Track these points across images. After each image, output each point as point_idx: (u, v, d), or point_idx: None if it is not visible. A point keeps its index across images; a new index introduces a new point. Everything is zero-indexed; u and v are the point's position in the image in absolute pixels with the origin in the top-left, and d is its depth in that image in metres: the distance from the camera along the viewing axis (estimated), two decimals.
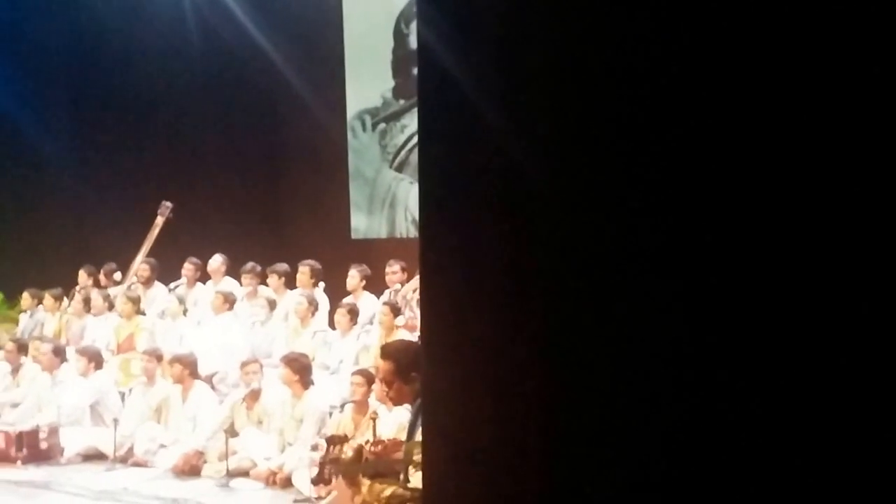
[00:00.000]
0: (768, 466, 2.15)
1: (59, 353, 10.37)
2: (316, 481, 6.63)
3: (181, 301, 11.40)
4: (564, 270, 2.43)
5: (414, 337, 8.89)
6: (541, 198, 2.46)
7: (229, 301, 10.95)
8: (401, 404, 5.91)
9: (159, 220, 12.36)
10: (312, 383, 8.72)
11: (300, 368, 8.62)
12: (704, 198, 2.22)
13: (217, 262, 11.94)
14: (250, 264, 11.52)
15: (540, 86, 2.47)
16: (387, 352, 5.87)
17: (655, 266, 2.28)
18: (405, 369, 5.44)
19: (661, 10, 2.26)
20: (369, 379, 8.04)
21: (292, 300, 10.72)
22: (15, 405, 10.42)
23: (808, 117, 2.09)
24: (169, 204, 12.41)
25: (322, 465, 6.16)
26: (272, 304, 10.80)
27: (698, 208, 2.23)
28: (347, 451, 5.86)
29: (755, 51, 2.15)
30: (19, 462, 9.14)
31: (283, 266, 11.33)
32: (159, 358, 9.76)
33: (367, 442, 5.97)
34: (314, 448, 7.83)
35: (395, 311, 9.36)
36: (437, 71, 2.66)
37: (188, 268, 12.07)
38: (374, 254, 11.69)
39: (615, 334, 2.35)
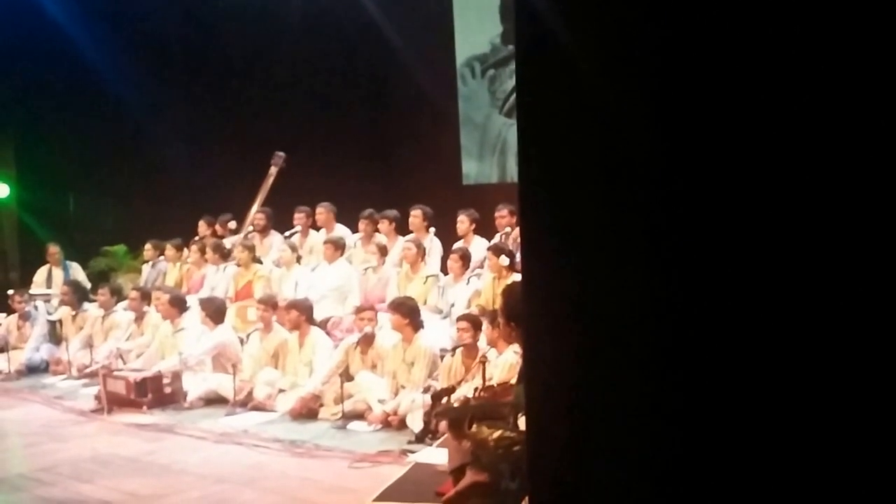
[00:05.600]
0: None
1: (177, 303, 10.61)
2: (421, 437, 6.70)
3: (294, 249, 11.56)
4: (663, 222, 2.40)
5: None
6: (641, 151, 2.42)
7: (340, 247, 11.06)
8: (510, 343, 5.93)
9: (273, 170, 12.52)
10: (422, 326, 8.75)
11: (408, 311, 8.66)
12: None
13: (323, 210, 12.05)
14: (368, 211, 11.59)
15: (641, 37, 2.42)
16: (503, 292, 5.91)
17: (761, 233, 2.23)
18: (514, 311, 5.45)
19: None
20: (475, 323, 8.05)
21: (402, 246, 10.78)
22: (140, 352, 10.76)
23: None
24: (282, 154, 12.56)
25: (428, 420, 6.21)
26: (383, 250, 10.87)
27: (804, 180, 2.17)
28: (454, 404, 5.90)
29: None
30: (145, 407, 9.40)
31: (393, 212, 11.40)
32: (275, 305, 9.92)
33: (475, 389, 6.01)
34: (426, 391, 7.89)
35: (499, 252, 9.33)
36: (535, 19, 2.62)
37: (298, 216, 12.23)
38: (485, 199, 11.67)
39: (722, 278, 2.31)
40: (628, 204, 2.45)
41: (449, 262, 10.25)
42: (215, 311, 10.19)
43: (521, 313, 5.36)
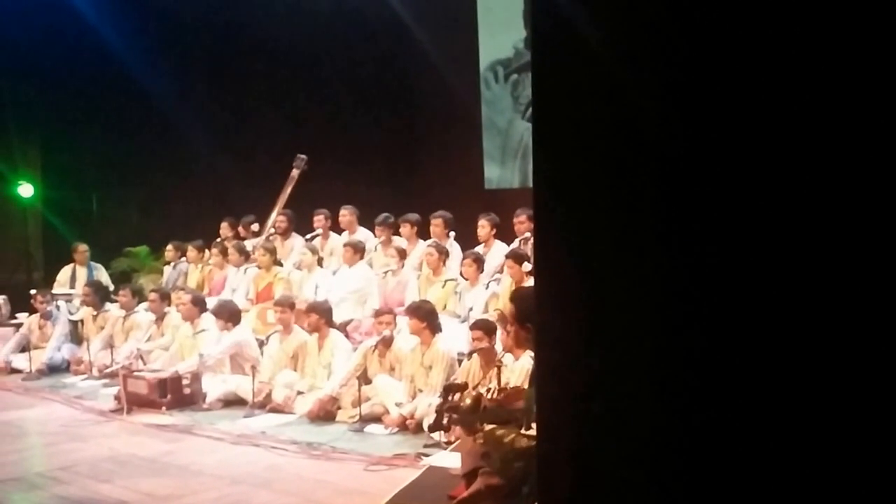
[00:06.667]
0: None
1: (198, 304, 10.67)
2: (433, 428, 6.69)
3: (314, 251, 11.58)
4: (677, 227, 2.38)
5: None
6: (656, 156, 2.41)
7: (359, 251, 11.08)
8: (522, 349, 5.90)
9: (295, 173, 12.55)
10: (440, 329, 8.75)
11: (426, 315, 8.67)
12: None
13: (347, 213, 12.07)
14: (383, 216, 11.60)
15: (659, 41, 2.40)
16: (512, 297, 5.88)
17: (779, 239, 2.22)
18: (527, 314, 5.43)
19: None
20: (488, 330, 8.03)
21: (423, 250, 10.78)
22: (160, 353, 10.80)
23: None
24: (304, 156, 12.58)
25: (439, 413, 6.18)
26: (402, 254, 10.88)
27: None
28: (466, 400, 5.87)
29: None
30: (164, 408, 9.44)
31: (414, 216, 11.41)
32: (292, 306, 9.93)
33: (488, 390, 5.99)
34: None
35: (521, 260, 9.31)
36: (552, 19, 2.61)
37: (318, 219, 12.26)
38: (507, 204, 11.64)
39: (732, 284, 2.29)
40: (642, 209, 2.44)
41: (463, 267, 10.24)
42: (230, 316, 10.22)
43: (533, 316, 5.36)
